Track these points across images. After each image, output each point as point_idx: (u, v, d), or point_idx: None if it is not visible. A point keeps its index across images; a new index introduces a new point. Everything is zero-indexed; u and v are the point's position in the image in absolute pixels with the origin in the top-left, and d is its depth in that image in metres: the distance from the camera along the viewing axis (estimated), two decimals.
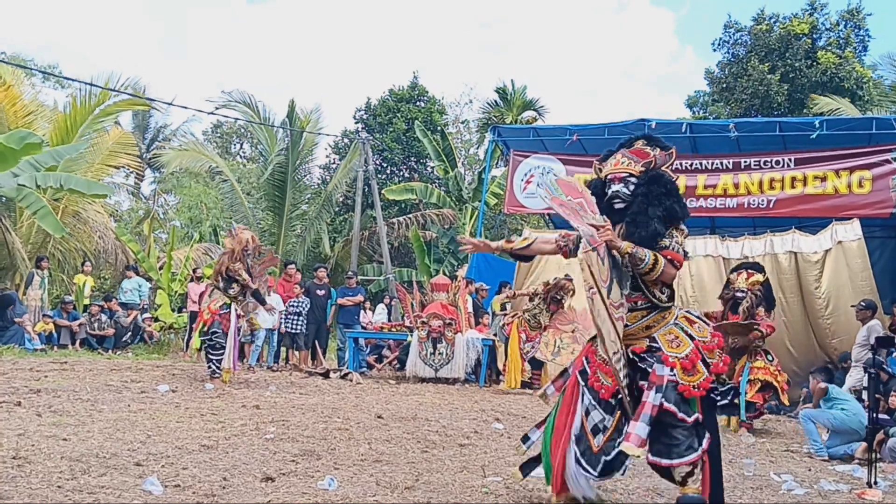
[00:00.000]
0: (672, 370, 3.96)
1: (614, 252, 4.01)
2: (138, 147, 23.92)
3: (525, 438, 4.64)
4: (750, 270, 9.05)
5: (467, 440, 6.52)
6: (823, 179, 12.16)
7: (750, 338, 8.65)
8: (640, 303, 4.15)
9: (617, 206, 4.19)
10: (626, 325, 4.05)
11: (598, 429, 4.16)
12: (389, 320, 15.66)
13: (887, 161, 11.84)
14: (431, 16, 67.26)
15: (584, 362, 4.32)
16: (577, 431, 4.20)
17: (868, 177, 11.87)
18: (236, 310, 9.82)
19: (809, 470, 6.35)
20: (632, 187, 4.18)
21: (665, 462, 3.98)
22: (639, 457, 3.94)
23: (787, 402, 9.23)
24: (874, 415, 6.15)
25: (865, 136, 12.22)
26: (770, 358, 8.78)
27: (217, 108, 22.16)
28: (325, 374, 11.77)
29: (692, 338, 4.08)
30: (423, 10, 67.47)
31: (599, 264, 3.85)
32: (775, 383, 8.62)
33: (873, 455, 5.86)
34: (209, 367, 9.90)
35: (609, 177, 4.27)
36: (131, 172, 26.62)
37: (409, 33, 67.38)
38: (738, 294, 8.81)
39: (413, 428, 6.96)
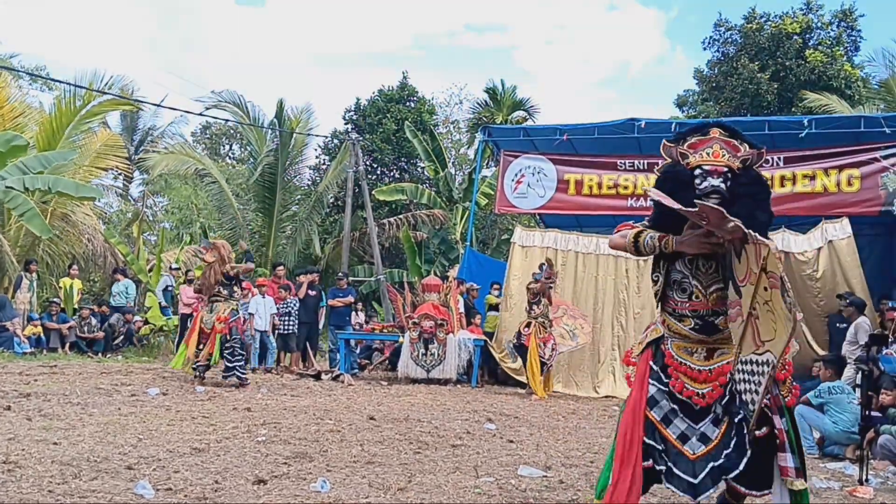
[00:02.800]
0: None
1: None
2: (126, 149, 23.79)
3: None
4: None
5: (459, 441, 6.51)
6: (813, 178, 12.20)
7: None
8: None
9: (712, 202, 3.57)
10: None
11: (686, 436, 3.65)
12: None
13: (876, 159, 11.90)
14: (421, 14, 67.31)
15: (651, 369, 3.80)
16: (655, 443, 3.66)
17: (857, 175, 11.92)
18: (244, 314, 10.09)
19: None
20: (729, 184, 3.67)
21: (757, 494, 3.62)
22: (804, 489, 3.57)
23: None
24: (866, 412, 6.17)
25: (854, 134, 12.27)
26: None
27: (207, 109, 22.05)
28: (317, 376, 11.75)
29: None
30: (412, 9, 67.51)
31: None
32: None
33: (864, 452, 5.88)
34: (234, 377, 9.93)
35: (707, 168, 3.69)
36: (120, 174, 26.48)
37: (398, 31, 67.45)
38: None
39: (405, 429, 6.95)
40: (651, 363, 3.81)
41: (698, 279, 3.70)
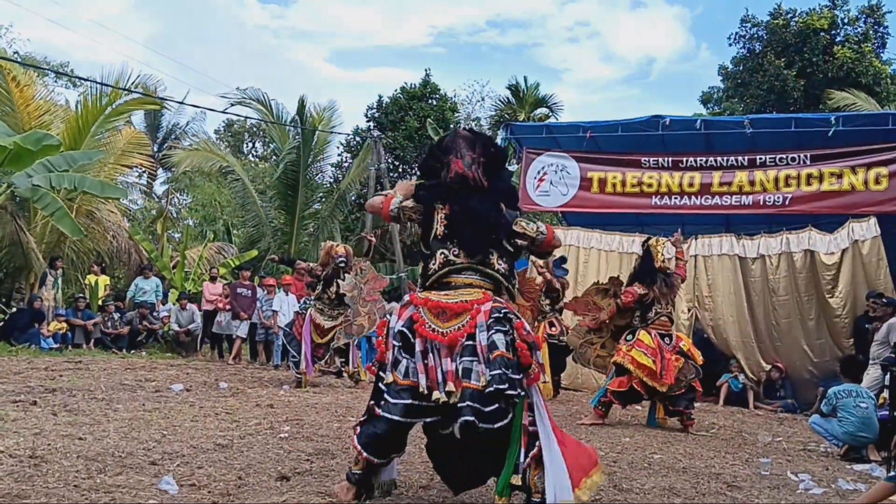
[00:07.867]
0: None
1: None
2: (150, 146, 23.95)
3: None
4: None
5: None
6: (839, 176, 12.01)
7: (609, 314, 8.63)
8: None
9: None
10: None
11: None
12: None
13: None
14: (443, 11, 67.32)
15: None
16: None
17: (885, 173, 11.71)
18: (311, 313, 10.20)
19: (827, 469, 6.29)
20: None
21: None
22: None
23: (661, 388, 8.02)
24: (894, 413, 6.09)
25: (882, 132, 12.05)
26: (629, 338, 8.22)
27: (232, 105, 22.12)
28: (339, 373, 11.76)
29: None
30: (435, 6, 67.53)
31: None
32: (629, 366, 7.95)
33: (892, 454, 5.81)
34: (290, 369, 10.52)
35: None
36: (144, 172, 26.68)
37: (421, 28, 67.50)
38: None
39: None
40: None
41: None
